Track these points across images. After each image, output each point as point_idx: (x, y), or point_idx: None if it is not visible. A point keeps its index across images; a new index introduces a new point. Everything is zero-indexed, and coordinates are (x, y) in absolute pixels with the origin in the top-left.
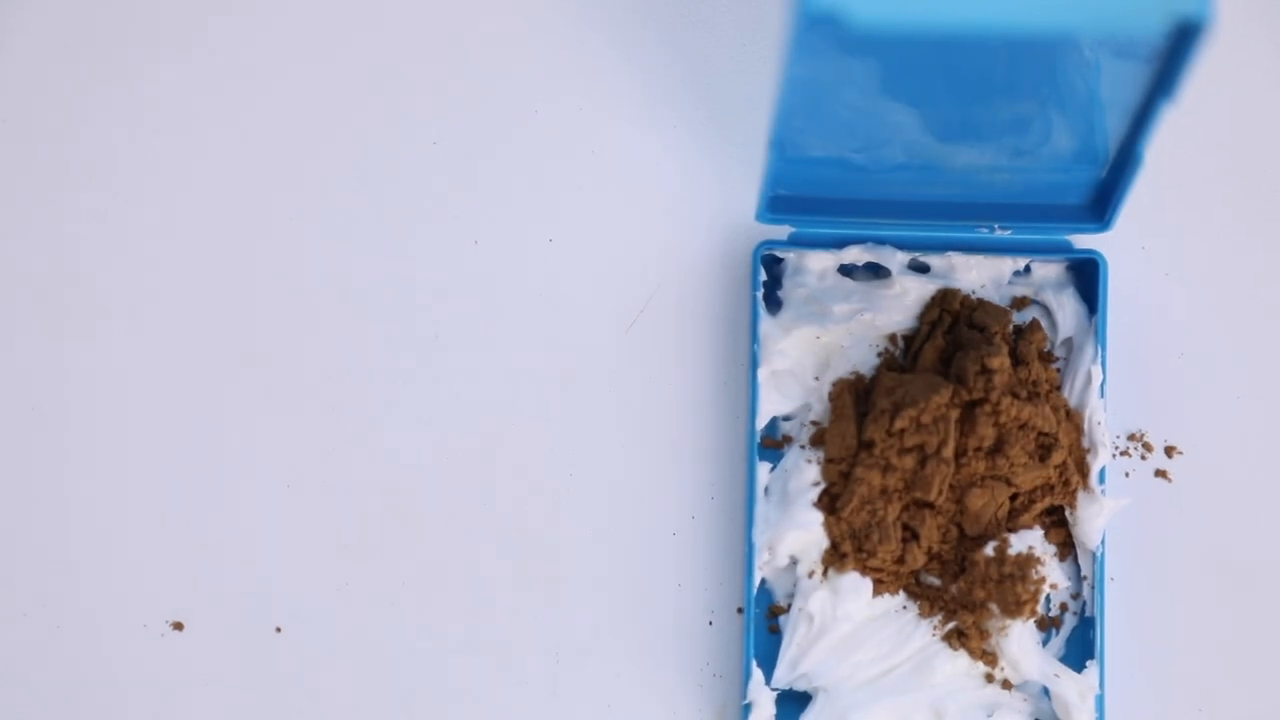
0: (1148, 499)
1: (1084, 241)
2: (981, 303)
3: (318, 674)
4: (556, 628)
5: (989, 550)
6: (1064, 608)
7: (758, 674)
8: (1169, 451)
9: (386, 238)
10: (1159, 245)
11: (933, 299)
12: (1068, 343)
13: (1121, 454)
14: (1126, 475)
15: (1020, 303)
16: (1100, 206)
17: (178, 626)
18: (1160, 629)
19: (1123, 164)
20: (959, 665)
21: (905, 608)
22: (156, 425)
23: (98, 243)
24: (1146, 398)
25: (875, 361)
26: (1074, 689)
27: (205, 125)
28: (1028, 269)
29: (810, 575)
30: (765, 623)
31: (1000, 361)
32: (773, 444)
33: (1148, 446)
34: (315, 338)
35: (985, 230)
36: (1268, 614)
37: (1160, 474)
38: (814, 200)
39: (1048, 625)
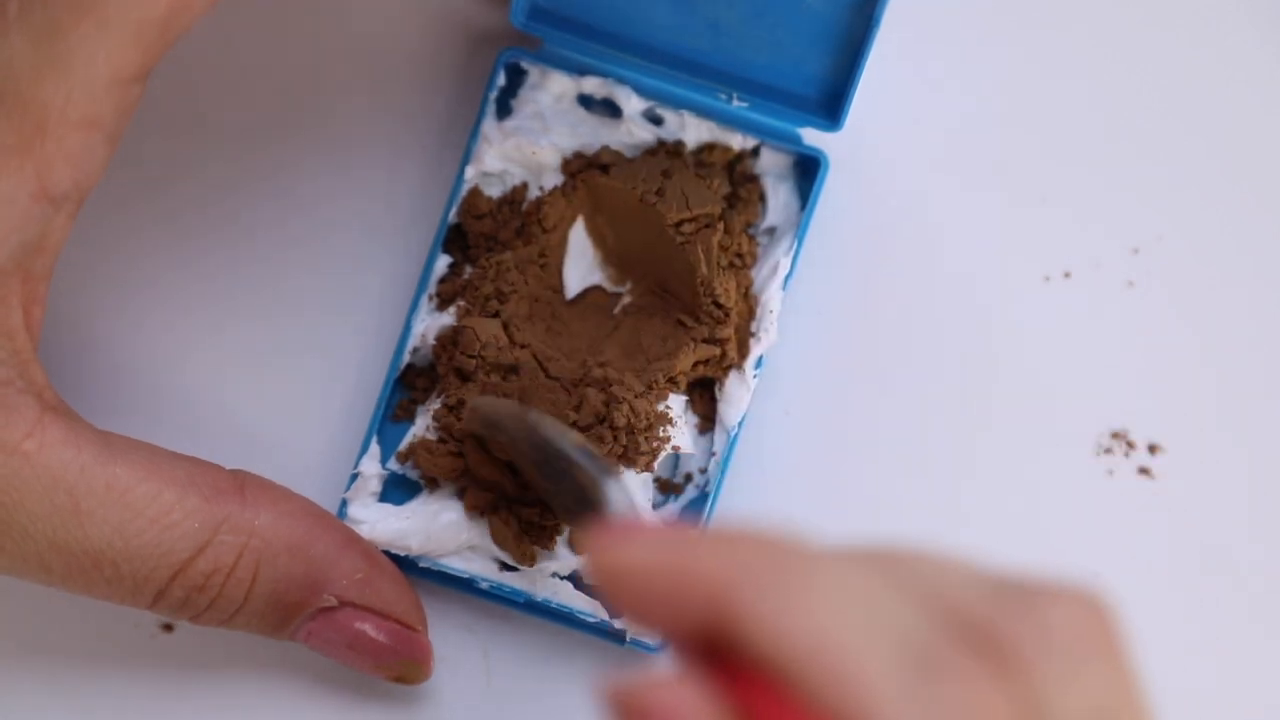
0: (1131, 497)
1: (821, 141)
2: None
3: (311, 675)
4: None
5: None
6: (689, 478)
7: (375, 450)
8: (1152, 449)
9: None
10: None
11: (654, 150)
12: (772, 231)
13: (1105, 452)
14: (1110, 474)
15: None
16: (833, 105)
17: (167, 628)
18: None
19: (853, 63)
20: None
21: None
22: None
23: None
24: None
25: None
26: None
27: None
28: (758, 151)
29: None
30: (394, 407)
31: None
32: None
33: (1130, 444)
34: None
35: (724, 97)
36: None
37: (1143, 471)
38: (572, 22)
39: (669, 489)
